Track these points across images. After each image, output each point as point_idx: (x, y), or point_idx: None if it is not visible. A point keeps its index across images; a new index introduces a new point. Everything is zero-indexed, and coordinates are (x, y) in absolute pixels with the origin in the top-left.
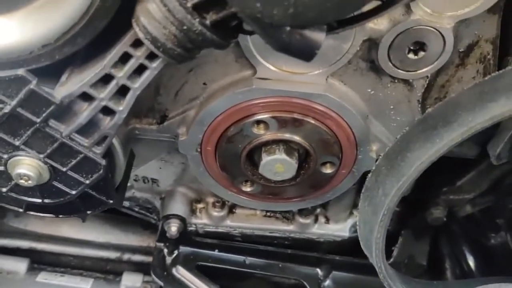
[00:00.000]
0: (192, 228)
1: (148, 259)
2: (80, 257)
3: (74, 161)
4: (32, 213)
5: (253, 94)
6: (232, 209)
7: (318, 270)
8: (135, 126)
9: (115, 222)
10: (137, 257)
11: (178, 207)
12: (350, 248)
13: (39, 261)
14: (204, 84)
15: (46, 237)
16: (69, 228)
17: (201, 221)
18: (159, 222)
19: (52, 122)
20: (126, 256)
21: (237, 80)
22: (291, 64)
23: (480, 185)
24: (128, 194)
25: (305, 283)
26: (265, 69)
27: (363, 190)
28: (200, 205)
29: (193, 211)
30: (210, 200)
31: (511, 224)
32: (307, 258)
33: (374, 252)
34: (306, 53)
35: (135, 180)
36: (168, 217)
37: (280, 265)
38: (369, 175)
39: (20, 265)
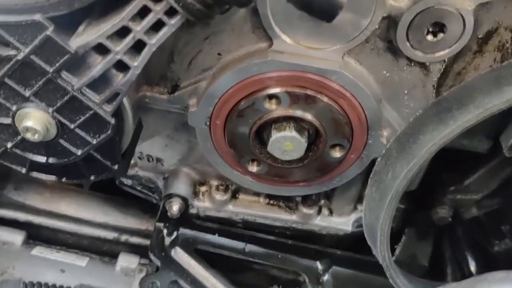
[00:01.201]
0: (194, 210)
1: (146, 242)
2: (77, 235)
3: (82, 118)
4: (34, 173)
5: (268, 66)
6: (235, 194)
7: (318, 264)
8: (146, 94)
9: (115, 204)
10: (135, 239)
11: (181, 187)
12: (352, 244)
13: (36, 236)
14: (219, 54)
15: (44, 212)
16: (68, 206)
17: (203, 204)
18: (160, 202)
19: (64, 74)
20: (123, 238)
21: (252, 52)
22: (308, 38)
23: (489, 185)
24: (131, 172)
25: (304, 275)
26: (281, 42)
27: (371, 176)
28: (203, 188)
29: (195, 194)
30: (214, 183)
31: None
32: (308, 251)
33: (379, 239)
34: (327, 12)
35: (140, 158)
36: (170, 196)
37: (279, 256)
38: (379, 159)
39: (16, 237)
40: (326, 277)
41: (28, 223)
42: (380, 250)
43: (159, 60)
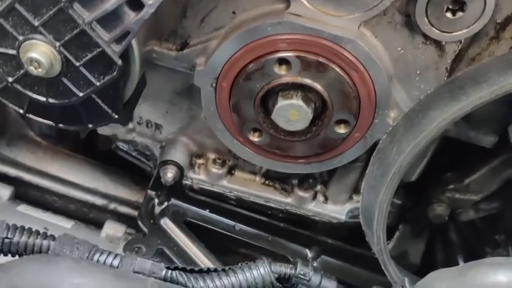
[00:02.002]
0: (188, 182)
1: (134, 213)
2: (65, 198)
3: (89, 56)
4: (31, 116)
5: (282, 28)
6: (231, 170)
7: (308, 251)
8: (154, 49)
9: (108, 172)
10: (124, 209)
11: (178, 155)
12: (344, 235)
13: (23, 196)
14: (233, 13)
15: (35, 171)
16: (60, 168)
17: (197, 177)
18: (154, 170)
19: (76, 6)
20: (112, 205)
21: (267, 12)
22: (326, 4)
23: (489, 186)
24: (128, 137)
25: (292, 260)
26: (299, 5)
27: (374, 154)
28: (200, 161)
29: (191, 165)
30: (211, 156)
31: (511, 238)
32: (299, 236)
33: (376, 218)
34: None
35: (138, 123)
36: (166, 162)
37: (269, 238)
38: (384, 136)
39: (3, 191)
40: (314, 265)
41: (17, 180)
42: (376, 231)
43: (171, 14)
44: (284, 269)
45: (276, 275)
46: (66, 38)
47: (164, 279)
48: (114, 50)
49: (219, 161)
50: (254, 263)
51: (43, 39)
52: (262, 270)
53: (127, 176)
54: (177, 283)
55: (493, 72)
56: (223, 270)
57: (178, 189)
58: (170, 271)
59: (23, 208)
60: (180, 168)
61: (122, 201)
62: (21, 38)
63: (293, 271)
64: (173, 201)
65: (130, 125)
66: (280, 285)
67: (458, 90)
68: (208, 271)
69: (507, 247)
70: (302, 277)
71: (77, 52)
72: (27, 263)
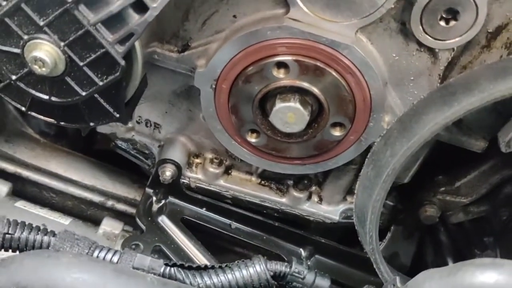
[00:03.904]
0: (185, 180)
1: (132, 210)
2: (62, 195)
3: (93, 56)
4: (33, 114)
5: (282, 32)
6: (228, 170)
7: (302, 251)
8: (156, 50)
9: (105, 170)
10: (121, 206)
11: (176, 154)
12: (338, 236)
13: (21, 193)
14: (234, 16)
15: (33, 167)
16: (58, 165)
17: (195, 176)
18: (152, 169)
19: (82, 7)
20: (109, 203)
21: (267, 17)
22: (325, 10)
23: (478, 189)
24: (127, 135)
25: (287, 259)
26: (298, 10)
27: (368, 156)
28: (197, 160)
29: (189, 164)
30: (209, 156)
31: (499, 240)
32: (293, 235)
33: (369, 218)
34: None
35: (138, 122)
36: (164, 161)
37: (264, 237)
38: (378, 139)
39: (1, 187)
40: (308, 263)
41: (15, 176)
42: (369, 230)
43: (173, 17)
44: (279, 267)
45: (272, 273)
46: (71, 39)
47: (163, 275)
48: (117, 51)
49: (216, 161)
50: (250, 260)
51: (47, 39)
52: (258, 267)
53: (125, 174)
54: (175, 279)
55: (483, 79)
56: (220, 267)
57: (176, 188)
58: (168, 267)
59: (21, 204)
60: (178, 167)
61: (120, 199)
62: (26, 37)
63: (288, 269)
64: (171, 199)
65: (130, 124)
66: (275, 283)
67: (450, 96)
68: (206, 268)
69: (495, 249)
70: (297, 275)
71: (81, 52)
72: (28, 258)
